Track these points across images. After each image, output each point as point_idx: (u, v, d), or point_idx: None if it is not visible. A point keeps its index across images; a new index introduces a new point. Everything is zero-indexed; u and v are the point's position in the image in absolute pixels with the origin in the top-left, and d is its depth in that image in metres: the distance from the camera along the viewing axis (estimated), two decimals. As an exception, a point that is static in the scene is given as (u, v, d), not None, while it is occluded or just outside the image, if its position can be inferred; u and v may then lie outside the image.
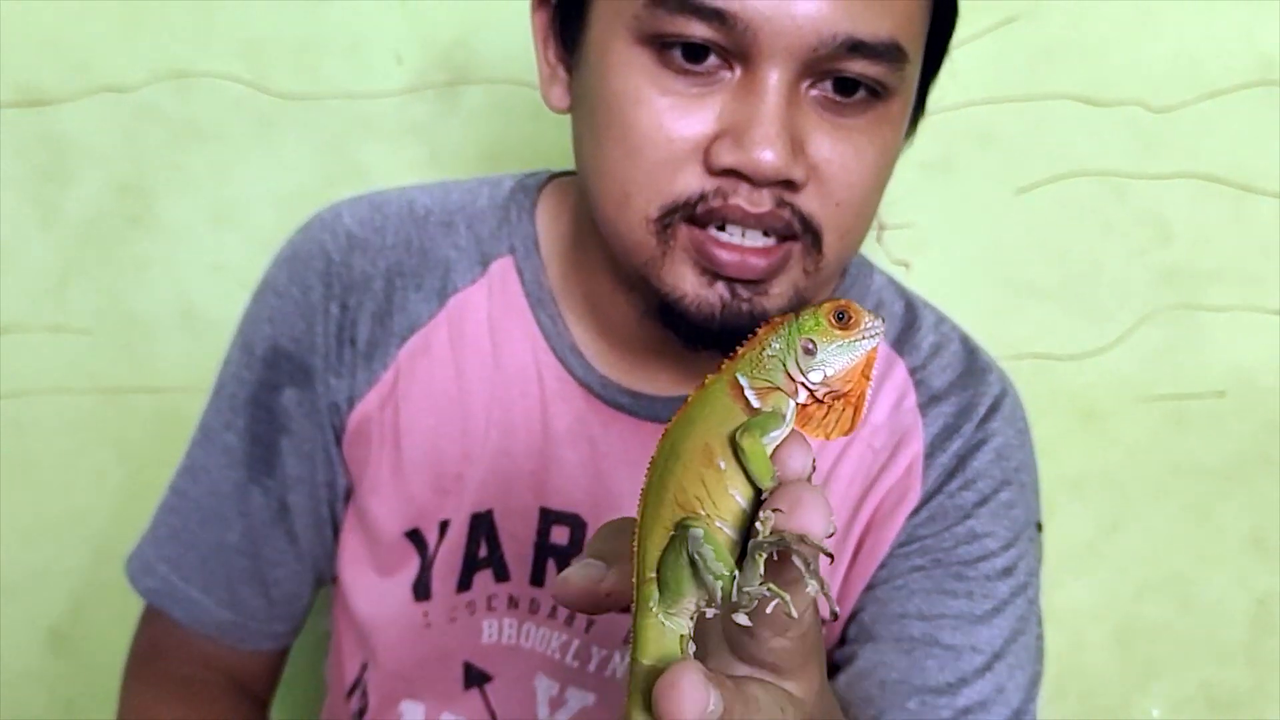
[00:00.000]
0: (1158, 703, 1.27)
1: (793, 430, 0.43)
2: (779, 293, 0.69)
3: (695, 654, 0.43)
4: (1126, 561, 1.25)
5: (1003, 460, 0.80)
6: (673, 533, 0.42)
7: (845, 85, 0.66)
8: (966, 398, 0.80)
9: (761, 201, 0.66)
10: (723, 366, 0.44)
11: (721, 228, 0.67)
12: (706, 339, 0.71)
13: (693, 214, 0.67)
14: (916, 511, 0.78)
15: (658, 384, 0.79)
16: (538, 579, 0.81)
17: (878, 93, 0.67)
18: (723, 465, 0.42)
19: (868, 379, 0.44)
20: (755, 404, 0.43)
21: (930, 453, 0.79)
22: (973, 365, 0.82)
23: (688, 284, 0.69)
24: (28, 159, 1.18)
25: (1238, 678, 1.26)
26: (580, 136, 0.73)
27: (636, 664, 0.42)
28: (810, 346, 0.43)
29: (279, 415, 0.82)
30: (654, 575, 0.42)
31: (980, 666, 0.75)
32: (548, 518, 0.81)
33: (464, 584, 0.82)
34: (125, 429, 1.23)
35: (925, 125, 1.12)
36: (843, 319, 0.43)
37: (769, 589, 0.40)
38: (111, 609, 1.25)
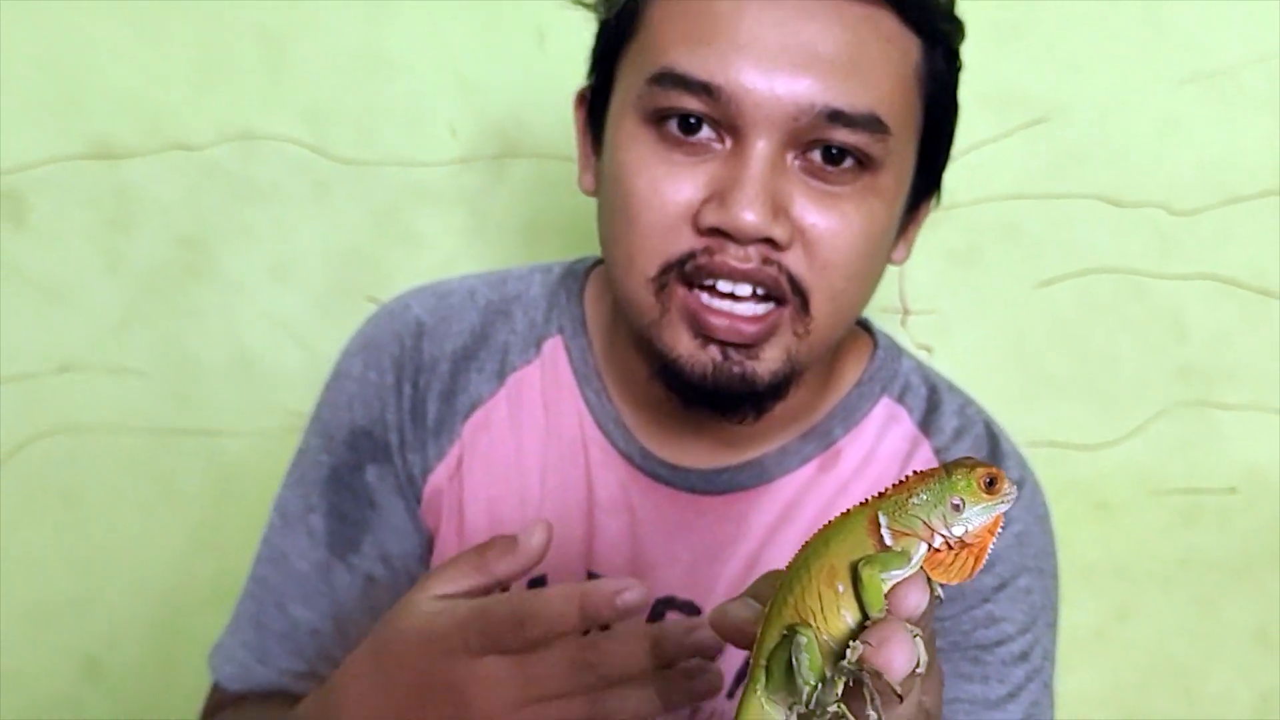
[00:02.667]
0: None
1: (917, 571, 0.44)
2: (770, 356, 0.70)
3: None
4: (1133, 650, 1.23)
5: (1022, 546, 0.79)
6: (785, 633, 0.44)
7: (832, 155, 0.67)
8: None
9: (748, 258, 0.67)
10: (872, 499, 0.45)
11: (714, 287, 0.68)
12: (701, 398, 0.72)
13: (685, 271, 0.68)
14: None
15: (695, 456, 0.79)
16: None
17: (864, 163, 0.68)
18: (841, 589, 0.44)
19: (993, 534, 0.45)
20: (888, 542, 0.44)
21: None
22: (995, 450, 0.81)
23: (683, 346, 0.69)
24: (98, 208, 1.19)
25: None
26: (599, 212, 0.75)
27: None
28: (959, 504, 0.44)
29: (364, 492, 0.82)
30: (765, 662, 0.45)
31: None
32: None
33: None
34: (174, 468, 1.24)
35: (953, 217, 1.14)
36: (992, 485, 0.45)
37: (839, 707, 0.42)
38: (147, 640, 1.27)
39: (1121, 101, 1.14)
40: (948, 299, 1.18)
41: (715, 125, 0.67)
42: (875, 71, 0.67)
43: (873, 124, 0.67)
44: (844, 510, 0.46)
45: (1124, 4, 1.12)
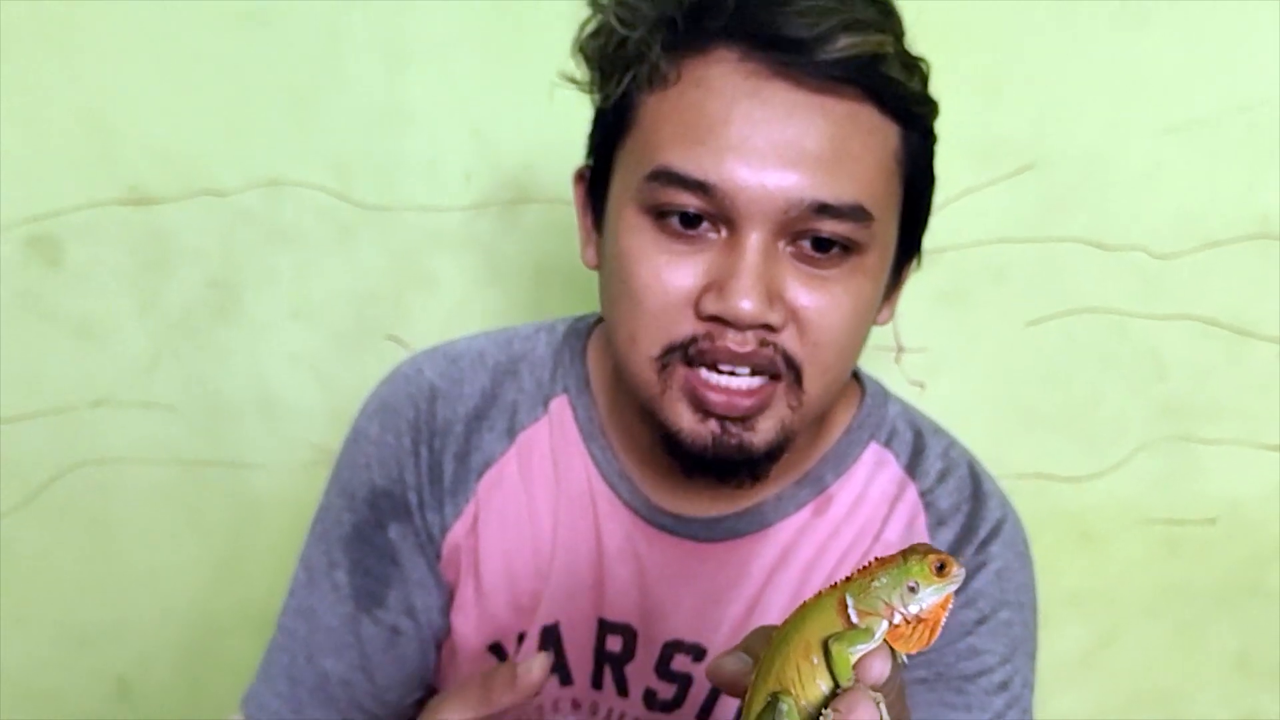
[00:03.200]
0: None
1: (882, 644, 0.49)
2: (766, 428, 0.72)
3: None
4: (1119, 675, 1.24)
5: (1002, 582, 0.81)
6: (769, 699, 0.49)
7: (820, 243, 0.70)
8: (969, 522, 0.82)
9: (746, 342, 0.69)
10: (840, 584, 0.51)
11: (714, 366, 0.70)
12: (702, 468, 0.74)
13: (687, 354, 0.70)
14: None
15: (696, 506, 0.81)
16: (597, 683, 0.84)
17: (850, 248, 0.70)
18: (815, 661, 0.49)
19: (945, 609, 0.50)
20: (854, 620, 0.49)
21: None
22: (977, 491, 0.83)
23: (684, 420, 0.72)
24: (132, 252, 1.21)
25: None
26: (602, 288, 0.77)
27: None
28: (914, 586, 0.49)
29: (386, 549, 0.83)
30: None
31: None
32: (604, 627, 0.83)
33: None
34: (201, 499, 1.25)
35: (944, 260, 1.17)
36: (942, 569, 0.50)
37: None
38: (175, 662, 1.29)
39: (1104, 150, 1.16)
40: (940, 338, 1.20)
41: (712, 218, 0.70)
42: (858, 163, 0.69)
43: (857, 213, 0.69)
44: (817, 591, 0.51)
45: (1106, 57, 1.15)
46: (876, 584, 0.50)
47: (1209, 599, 1.22)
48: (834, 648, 0.48)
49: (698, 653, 0.81)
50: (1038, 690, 1.19)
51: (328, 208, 1.20)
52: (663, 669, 0.82)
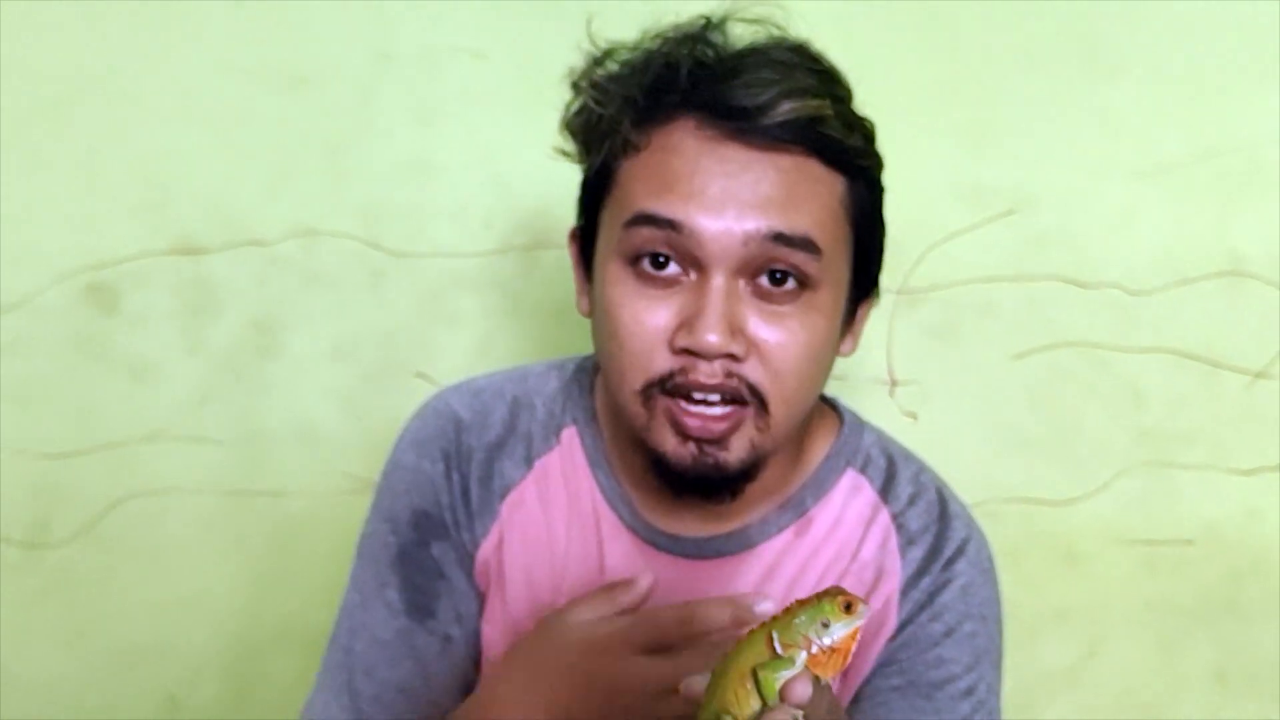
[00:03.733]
0: None
1: (803, 670, 0.57)
2: (737, 447, 0.78)
3: None
4: (1102, 686, 1.26)
5: (967, 596, 0.86)
6: (713, 716, 0.58)
7: (776, 278, 0.76)
8: (936, 542, 0.87)
9: (715, 374, 0.76)
10: (767, 622, 0.59)
11: (690, 396, 0.77)
12: (685, 485, 0.80)
13: (665, 387, 0.77)
14: (894, 637, 0.85)
15: (689, 527, 0.87)
16: None
17: (803, 283, 0.77)
18: (749, 686, 0.58)
19: (854, 641, 0.58)
20: (779, 652, 0.58)
21: (905, 588, 0.86)
22: (944, 513, 0.88)
23: (668, 444, 0.78)
24: (181, 297, 1.24)
25: None
26: (594, 333, 0.84)
27: None
28: (827, 623, 0.58)
29: (432, 565, 0.89)
30: None
31: None
32: None
33: None
34: (246, 526, 1.28)
35: (934, 297, 1.22)
36: (849, 608, 0.58)
37: None
38: (222, 679, 1.30)
39: (1082, 194, 1.21)
40: (930, 371, 1.24)
41: (680, 261, 0.77)
42: (807, 203, 0.76)
43: (807, 245, 0.76)
44: (749, 630, 0.60)
45: (1082, 108, 1.20)
46: (797, 621, 0.58)
47: (1187, 615, 1.25)
48: (761, 674, 0.57)
49: None
50: (1026, 701, 1.24)
51: (360, 254, 1.24)
52: None
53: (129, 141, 1.23)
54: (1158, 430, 1.24)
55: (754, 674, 0.57)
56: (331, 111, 1.23)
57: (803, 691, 0.56)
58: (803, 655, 0.57)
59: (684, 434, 0.78)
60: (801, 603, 0.59)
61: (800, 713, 0.56)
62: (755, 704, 0.57)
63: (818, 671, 0.58)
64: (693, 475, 0.79)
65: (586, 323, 1.26)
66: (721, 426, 0.77)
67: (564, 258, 1.23)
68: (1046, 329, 1.23)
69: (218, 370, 1.27)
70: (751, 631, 0.59)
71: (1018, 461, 1.25)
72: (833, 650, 0.58)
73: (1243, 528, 1.24)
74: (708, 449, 0.78)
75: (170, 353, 1.26)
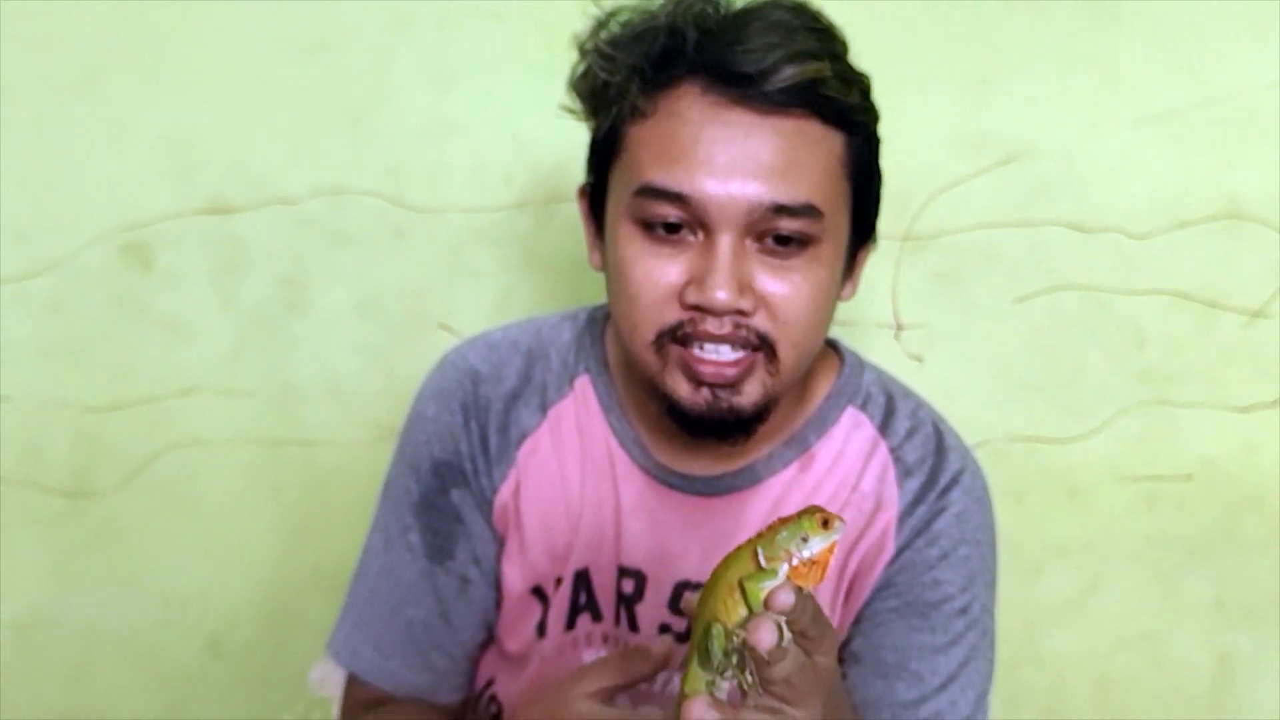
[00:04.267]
0: None
1: (785, 581, 0.61)
2: (749, 391, 0.81)
3: (725, 692, 0.62)
4: (1104, 618, 1.29)
5: (961, 523, 0.90)
6: (705, 626, 0.62)
7: (780, 239, 0.79)
8: (932, 473, 0.90)
9: (724, 325, 0.79)
10: (752, 538, 0.63)
11: (700, 345, 0.80)
12: (700, 429, 0.83)
13: (676, 336, 0.80)
14: (891, 563, 0.89)
15: (699, 466, 0.91)
16: (619, 620, 0.93)
17: (806, 240, 0.80)
18: (736, 596, 0.62)
19: (830, 554, 0.62)
20: (763, 564, 0.61)
21: (903, 517, 0.90)
22: (939, 445, 0.92)
23: (682, 390, 0.81)
24: (213, 255, 1.27)
25: None
26: (608, 286, 0.87)
27: (682, 695, 0.62)
28: (806, 538, 0.61)
29: (451, 510, 0.93)
30: (696, 647, 0.63)
31: (938, 686, 0.87)
32: (621, 572, 0.93)
33: (570, 625, 0.94)
34: (279, 475, 1.32)
35: (939, 244, 1.24)
36: (826, 524, 0.61)
37: (733, 671, 0.61)
38: (260, 621, 1.35)
39: (1084, 141, 1.22)
40: (935, 315, 1.26)
41: (689, 225, 0.79)
42: (807, 169, 0.79)
43: (809, 211, 0.78)
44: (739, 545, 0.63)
45: (1084, 55, 1.21)
46: (779, 536, 0.62)
47: (1186, 548, 1.27)
48: (747, 585, 0.61)
49: None
50: (1030, 633, 1.27)
51: (383, 211, 1.27)
52: (675, 605, 0.91)
53: (159, 107, 1.26)
54: (1157, 369, 1.25)
55: (740, 585, 0.61)
56: (353, 74, 1.25)
57: (785, 599, 0.60)
58: (784, 567, 0.61)
59: (698, 380, 0.80)
60: (783, 520, 0.63)
61: (783, 618, 0.60)
62: (742, 612, 0.61)
63: (799, 582, 0.61)
64: (708, 420, 0.82)
65: (602, 274, 1.29)
66: (734, 371, 0.80)
67: (579, 212, 1.29)
68: (1048, 273, 1.25)
69: (249, 326, 1.30)
70: (738, 547, 0.63)
71: (1020, 402, 1.27)
72: (812, 563, 0.61)
73: (1240, 463, 1.26)
74: (721, 394, 0.81)
75: (204, 309, 1.29)
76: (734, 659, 0.61)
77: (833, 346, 0.96)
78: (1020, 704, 1.31)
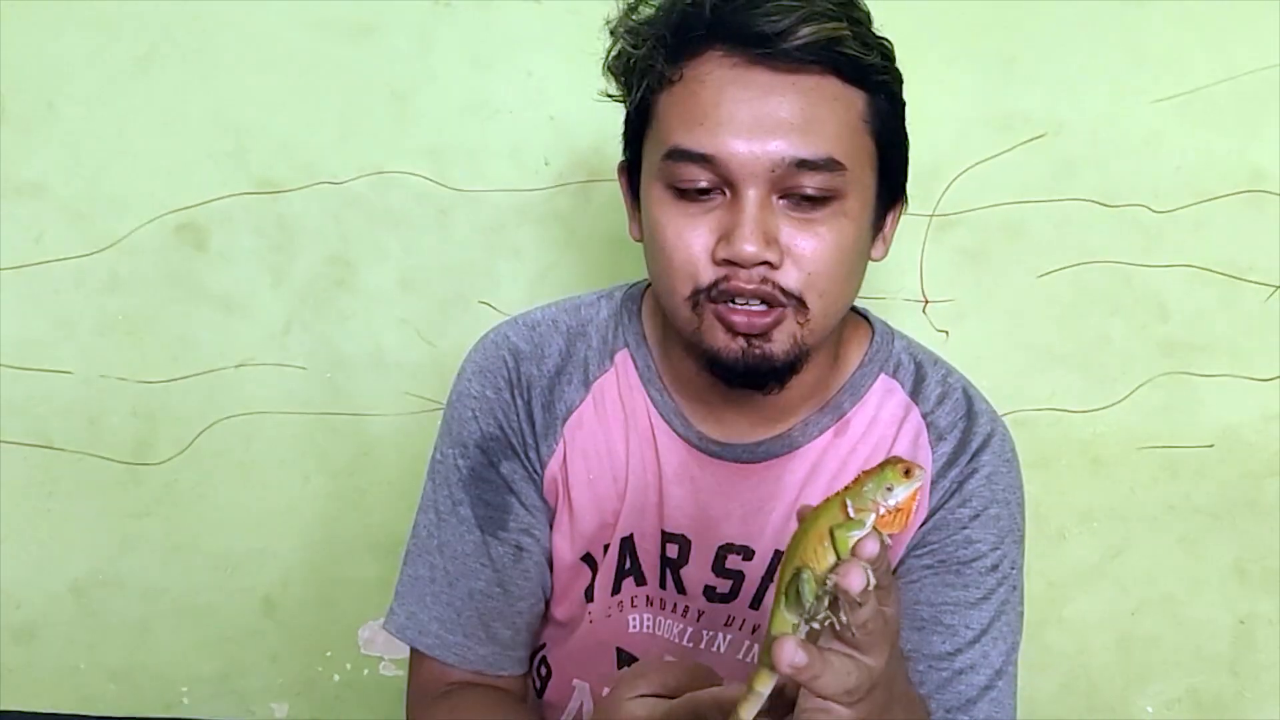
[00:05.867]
0: (1152, 702, 1.32)
1: (872, 530, 0.62)
2: (780, 338, 0.82)
3: (808, 634, 0.63)
4: (1127, 582, 1.30)
5: (992, 484, 0.91)
6: (794, 573, 0.63)
7: (806, 196, 0.80)
8: (963, 437, 0.91)
9: (753, 280, 0.80)
10: (841, 490, 0.64)
11: (733, 300, 0.81)
12: (737, 378, 0.84)
13: (711, 294, 0.81)
14: (925, 522, 0.91)
15: (738, 434, 0.92)
16: (662, 583, 0.95)
17: (831, 194, 0.80)
18: (826, 544, 0.63)
19: (914, 501, 0.63)
20: (851, 515, 0.63)
21: (936, 479, 0.91)
22: (970, 410, 0.93)
23: (719, 341, 0.82)
24: (263, 234, 1.30)
25: (1221, 684, 1.31)
26: (645, 253, 0.88)
27: (769, 636, 0.63)
28: (890, 487, 0.62)
29: (500, 483, 0.94)
30: (784, 591, 0.63)
31: (971, 639, 0.88)
32: (664, 537, 0.94)
33: (616, 589, 0.95)
34: (328, 444, 1.34)
35: (966, 220, 1.25)
36: (908, 473, 0.62)
37: (826, 612, 0.62)
38: (310, 582, 1.38)
39: (1109, 118, 1.22)
40: (962, 290, 1.27)
41: (717, 185, 0.81)
42: (827, 124, 0.79)
43: (830, 164, 0.79)
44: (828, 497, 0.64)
45: (1109, 34, 1.21)
46: (865, 489, 0.63)
47: (1207, 514, 1.28)
48: (837, 533, 0.62)
49: (747, 553, 0.92)
50: (1054, 598, 1.28)
51: (426, 191, 1.29)
52: (718, 567, 0.93)
53: (210, 91, 1.28)
54: (1179, 342, 1.25)
55: (831, 534, 0.63)
56: (395, 58, 1.27)
57: (871, 548, 0.61)
58: (871, 517, 0.62)
59: (732, 330, 0.82)
60: (867, 473, 0.64)
61: (869, 565, 0.61)
62: (831, 559, 0.63)
63: (885, 530, 0.63)
64: (743, 368, 0.83)
65: (637, 251, 1.29)
66: (765, 320, 0.81)
67: (616, 191, 1.25)
68: (1073, 248, 1.25)
69: (299, 302, 1.32)
70: (827, 499, 0.65)
71: (1046, 374, 1.27)
72: (897, 510, 0.63)
73: (1261, 432, 1.26)
74: (755, 342, 0.82)
75: (255, 286, 1.32)
76: (825, 601, 0.62)
77: (863, 317, 0.97)
78: (1045, 665, 1.32)
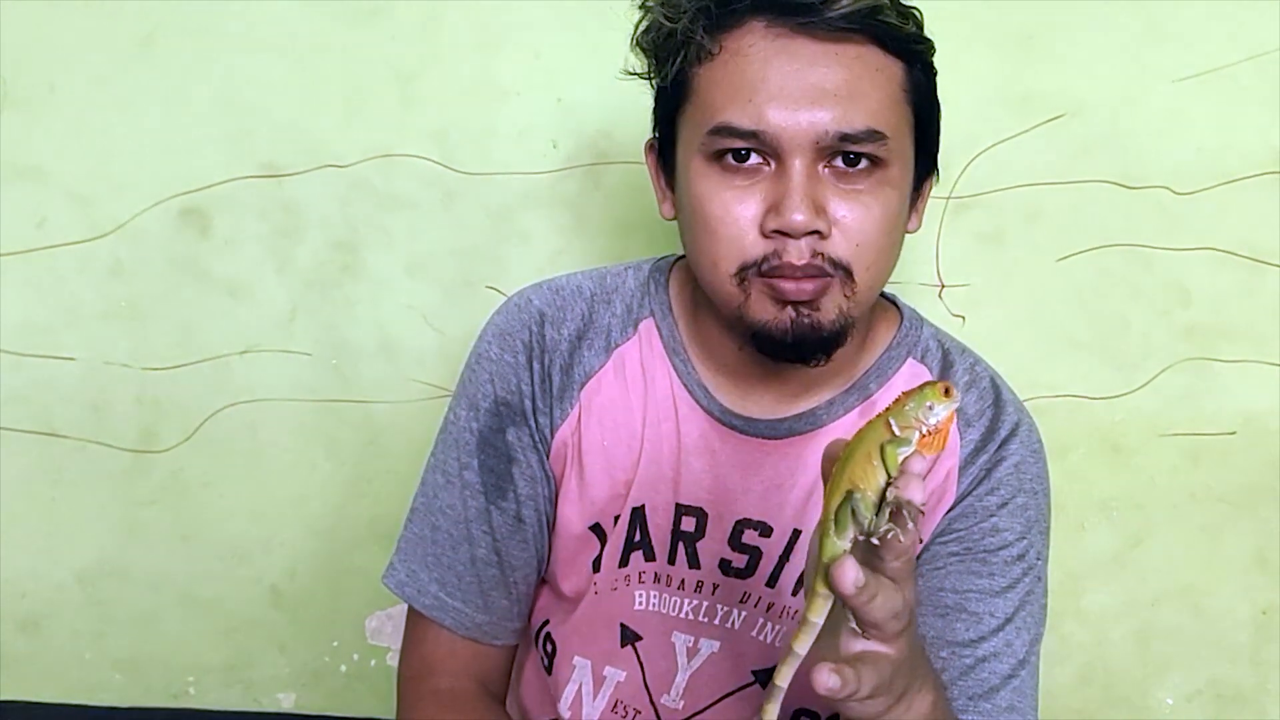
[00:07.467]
0: (1171, 694, 1.29)
1: (915, 449, 0.64)
2: (828, 307, 0.81)
3: None
4: (1147, 572, 1.28)
5: (1019, 472, 0.89)
6: (845, 495, 0.64)
7: (849, 159, 0.80)
8: (991, 425, 0.90)
9: (803, 253, 0.79)
10: (885, 411, 0.66)
11: (781, 277, 0.80)
12: (784, 351, 0.83)
13: (761, 269, 0.80)
14: (952, 509, 0.89)
15: (761, 410, 0.91)
16: (672, 558, 0.93)
17: (874, 162, 0.80)
18: (875, 462, 0.64)
19: (951, 422, 0.65)
20: (897, 433, 0.64)
21: (963, 465, 0.89)
22: (997, 399, 0.91)
23: (768, 314, 0.81)
24: (268, 219, 1.28)
25: (1241, 676, 1.28)
26: (683, 231, 0.87)
27: (819, 563, 0.64)
28: (931, 406, 0.64)
29: (505, 450, 0.93)
30: (834, 517, 0.64)
31: (995, 627, 0.86)
32: (680, 510, 0.92)
33: (623, 562, 0.93)
34: (334, 431, 1.32)
35: (982, 202, 1.22)
36: (948, 393, 0.64)
37: (889, 525, 0.63)
38: (317, 571, 1.36)
39: (1129, 98, 1.20)
40: (978, 274, 1.24)
41: (763, 155, 0.80)
42: (870, 95, 0.79)
43: (873, 135, 0.79)
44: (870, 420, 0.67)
45: (1130, 12, 1.18)
46: (908, 408, 0.65)
47: (1228, 503, 1.25)
48: (887, 450, 0.64)
49: (764, 529, 0.91)
50: (1074, 587, 1.25)
51: (433, 175, 1.26)
52: (735, 542, 0.91)
53: (214, 73, 1.26)
54: (1201, 326, 1.23)
55: (881, 451, 0.64)
56: (401, 39, 1.25)
57: (920, 465, 0.63)
58: (915, 434, 0.64)
59: (781, 300, 0.81)
60: (908, 393, 0.66)
61: (922, 479, 0.63)
62: (882, 476, 0.64)
63: (925, 450, 0.64)
64: (792, 339, 0.82)
65: (646, 234, 1.27)
66: (813, 286, 0.80)
67: (625, 174, 1.28)
68: (1092, 231, 1.22)
69: (304, 288, 1.30)
70: (870, 421, 0.66)
71: (1065, 359, 1.25)
72: (936, 431, 0.64)
73: (1283, 419, 1.24)
74: (804, 311, 0.81)
75: (260, 272, 1.30)
76: (884, 513, 0.63)
77: (892, 302, 0.96)
78: (1062, 656, 1.30)
